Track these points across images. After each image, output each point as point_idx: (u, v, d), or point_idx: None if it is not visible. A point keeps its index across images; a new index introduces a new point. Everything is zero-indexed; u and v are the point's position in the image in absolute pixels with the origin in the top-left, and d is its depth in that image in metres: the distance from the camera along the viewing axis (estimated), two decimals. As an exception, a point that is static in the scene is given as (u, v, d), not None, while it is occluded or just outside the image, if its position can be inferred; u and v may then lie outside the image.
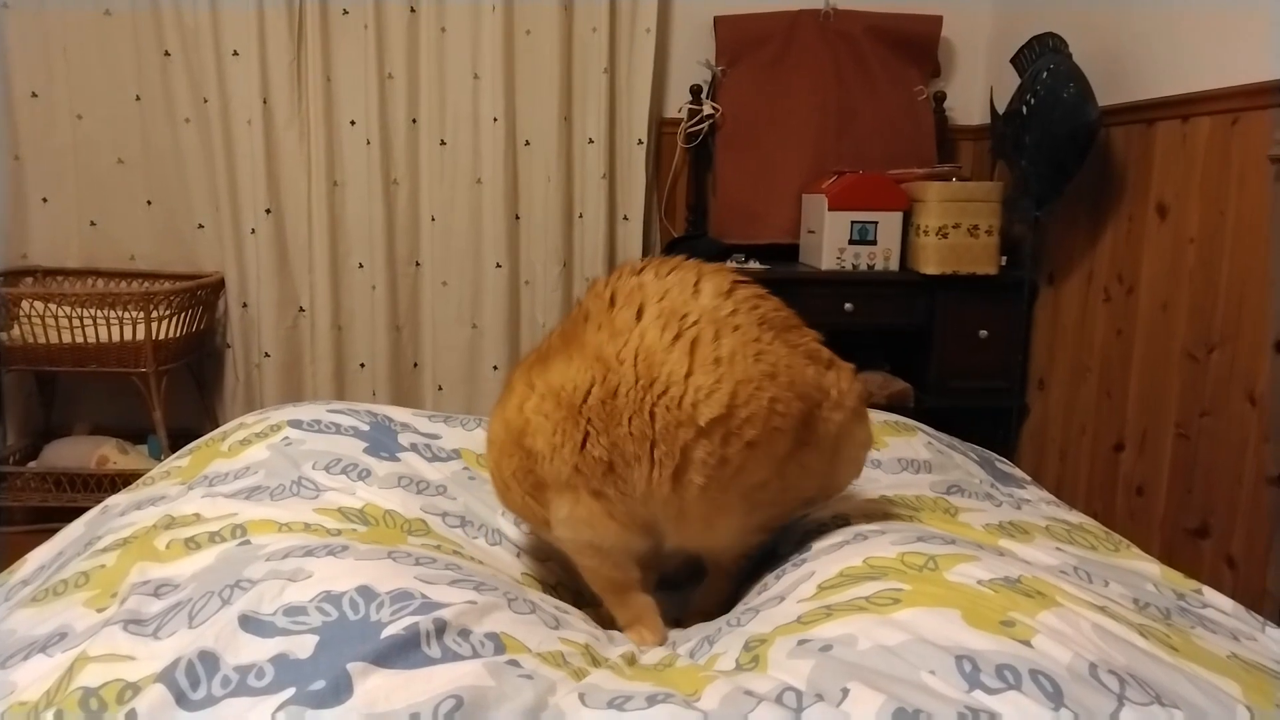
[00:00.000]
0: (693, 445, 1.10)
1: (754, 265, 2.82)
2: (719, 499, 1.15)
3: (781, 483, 1.18)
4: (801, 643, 0.97)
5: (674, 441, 1.11)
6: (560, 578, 1.38)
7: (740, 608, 1.18)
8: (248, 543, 1.16)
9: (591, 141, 3.05)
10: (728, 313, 1.14)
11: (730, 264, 2.82)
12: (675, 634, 1.25)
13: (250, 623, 0.94)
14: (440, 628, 0.94)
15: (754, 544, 1.28)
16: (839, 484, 1.33)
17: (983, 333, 2.79)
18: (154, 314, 2.64)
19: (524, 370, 1.25)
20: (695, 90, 3.07)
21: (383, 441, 1.58)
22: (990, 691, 0.84)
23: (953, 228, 2.68)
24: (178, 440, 2.13)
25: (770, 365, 1.13)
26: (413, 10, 2.95)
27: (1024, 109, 2.52)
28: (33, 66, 2.89)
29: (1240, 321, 2.07)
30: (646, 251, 3.13)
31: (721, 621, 1.16)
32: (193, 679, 0.87)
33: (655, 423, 1.11)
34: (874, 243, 2.78)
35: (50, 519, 1.95)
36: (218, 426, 1.74)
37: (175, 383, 2.82)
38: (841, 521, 1.34)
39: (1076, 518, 1.52)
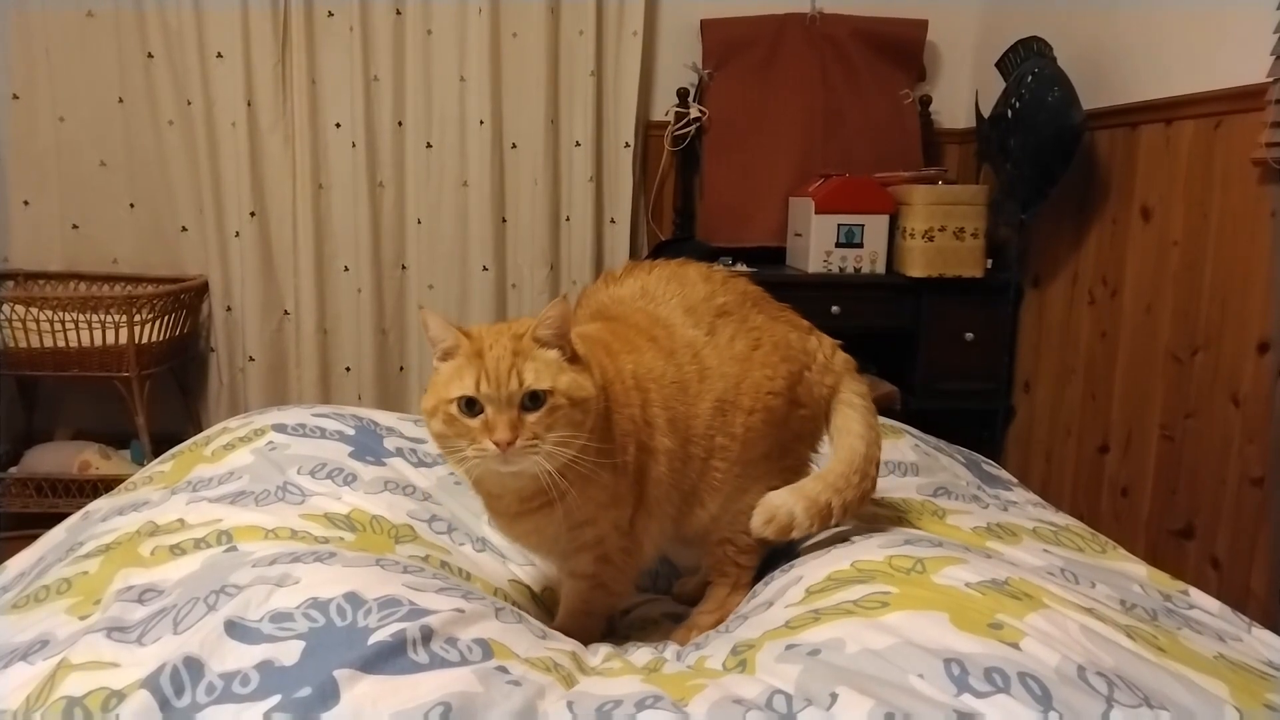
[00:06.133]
0: (700, 424, 1.18)
1: (741, 268, 2.82)
2: (727, 472, 1.20)
3: (780, 451, 1.24)
4: (790, 647, 0.97)
5: (685, 421, 1.18)
6: (547, 583, 1.38)
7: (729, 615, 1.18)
8: (234, 549, 1.15)
9: (578, 144, 3.04)
10: (720, 298, 1.27)
11: (717, 266, 2.82)
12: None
13: (236, 629, 0.93)
14: (427, 634, 0.94)
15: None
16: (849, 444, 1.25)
17: (969, 335, 2.80)
18: (137, 318, 2.62)
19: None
20: (682, 93, 3.07)
21: (368, 445, 1.57)
22: (979, 695, 0.85)
23: (939, 230, 2.69)
24: (161, 445, 2.11)
25: (754, 339, 1.25)
26: (398, 12, 2.94)
27: (1009, 113, 2.53)
28: (14, 68, 2.86)
29: (1224, 323, 2.08)
30: (634, 255, 3.12)
31: None
32: (177, 686, 0.86)
33: (679, 406, 1.19)
34: (860, 245, 2.79)
35: (31, 525, 1.93)
36: (201, 431, 1.73)
37: (158, 387, 2.79)
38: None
39: (1063, 519, 1.52)
